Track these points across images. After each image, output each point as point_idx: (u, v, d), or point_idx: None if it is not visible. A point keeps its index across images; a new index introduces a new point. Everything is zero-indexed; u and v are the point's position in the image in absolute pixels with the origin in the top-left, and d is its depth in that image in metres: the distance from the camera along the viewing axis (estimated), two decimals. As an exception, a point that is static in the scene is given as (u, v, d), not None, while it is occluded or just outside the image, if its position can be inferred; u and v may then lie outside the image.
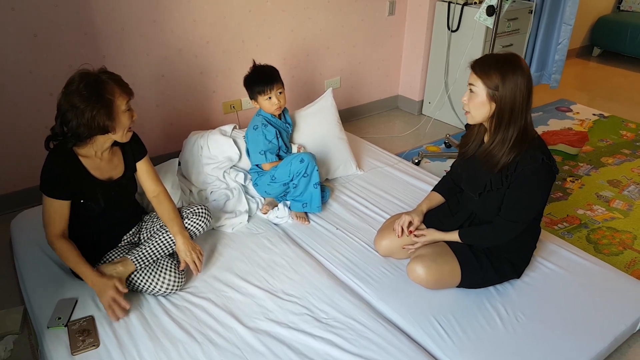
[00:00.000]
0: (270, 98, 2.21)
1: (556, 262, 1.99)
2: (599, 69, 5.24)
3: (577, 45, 5.46)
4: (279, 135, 2.29)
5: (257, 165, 2.35)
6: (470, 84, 1.62)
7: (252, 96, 2.26)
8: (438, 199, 2.01)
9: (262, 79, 2.20)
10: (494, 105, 1.59)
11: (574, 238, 2.45)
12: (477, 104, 1.62)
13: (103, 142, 1.74)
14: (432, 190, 2.04)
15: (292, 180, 2.20)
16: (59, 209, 1.72)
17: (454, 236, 1.82)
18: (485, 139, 1.74)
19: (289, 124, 2.43)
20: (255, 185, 2.35)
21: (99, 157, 1.79)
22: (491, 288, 1.86)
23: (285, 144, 2.37)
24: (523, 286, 1.87)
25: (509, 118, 1.59)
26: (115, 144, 1.82)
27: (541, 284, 1.89)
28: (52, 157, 1.70)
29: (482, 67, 1.58)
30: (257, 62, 2.29)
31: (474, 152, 1.78)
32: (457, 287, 1.83)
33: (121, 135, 1.73)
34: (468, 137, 1.82)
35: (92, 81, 1.62)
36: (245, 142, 2.41)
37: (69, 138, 1.67)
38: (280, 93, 2.23)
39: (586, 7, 5.04)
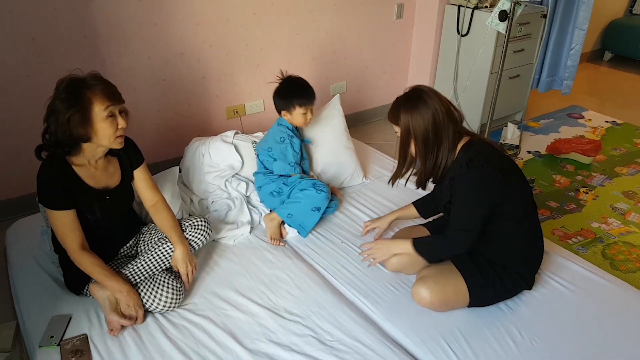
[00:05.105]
0: (305, 113, 2.17)
1: (571, 280, 1.90)
2: (610, 73, 5.13)
3: (588, 49, 5.36)
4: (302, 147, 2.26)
5: (265, 168, 2.28)
6: (395, 132, 1.74)
7: (287, 107, 2.18)
8: (412, 212, 2.03)
9: (306, 92, 2.16)
10: (414, 139, 1.68)
11: (589, 253, 2.36)
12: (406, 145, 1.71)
13: (92, 150, 1.67)
14: (412, 202, 2.06)
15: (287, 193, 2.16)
16: (68, 221, 1.64)
17: (407, 246, 1.78)
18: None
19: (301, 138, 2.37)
20: (258, 188, 2.28)
21: (93, 166, 1.71)
22: (503, 306, 1.77)
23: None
24: (537, 305, 1.79)
25: (432, 142, 1.66)
26: (110, 152, 1.75)
27: (556, 305, 1.79)
28: (44, 167, 1.62)
29: (391, 114, 1.73)
30: (285, 72, 2.23)
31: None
32: (469, 307, 1.75)
33: (108, 142, 1.63)
34: None
35: (73, 85, 1.55)
36: (262, 153, 2.28)
37: (56, 145, 1.59)
38: (311, 109, 2.21)
39: (598, 11, 4.93)
